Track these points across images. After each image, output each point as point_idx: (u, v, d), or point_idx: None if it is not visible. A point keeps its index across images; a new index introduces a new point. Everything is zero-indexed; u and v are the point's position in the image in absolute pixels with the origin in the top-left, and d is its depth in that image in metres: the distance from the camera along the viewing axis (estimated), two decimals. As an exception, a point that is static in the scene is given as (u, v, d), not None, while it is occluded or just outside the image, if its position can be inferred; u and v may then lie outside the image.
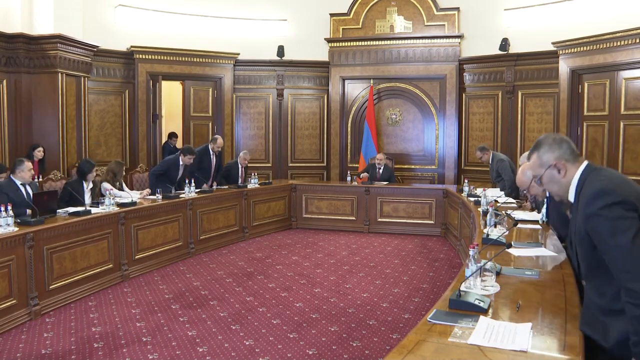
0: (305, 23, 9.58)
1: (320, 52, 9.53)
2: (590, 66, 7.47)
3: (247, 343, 3.75)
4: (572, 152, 2.14)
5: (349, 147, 9.64)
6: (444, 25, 9.04)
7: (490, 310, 2.30)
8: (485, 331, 2.04)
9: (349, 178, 8.44)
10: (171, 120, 10.61)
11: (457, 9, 8.96)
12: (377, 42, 9.19)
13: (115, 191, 5.94)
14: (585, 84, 7.71)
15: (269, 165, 9.83)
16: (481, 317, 2.18)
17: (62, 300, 4.54)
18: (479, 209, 5.17)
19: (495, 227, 4.04)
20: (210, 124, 9.55)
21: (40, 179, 6.31)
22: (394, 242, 7.12)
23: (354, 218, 7.94)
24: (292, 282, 5.26)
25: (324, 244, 7.01)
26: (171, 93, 10.38)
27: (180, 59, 9.03)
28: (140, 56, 8.75)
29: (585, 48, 7.45)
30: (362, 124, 9.40)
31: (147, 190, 6.39)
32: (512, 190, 6.19)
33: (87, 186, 5.64)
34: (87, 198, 5.60)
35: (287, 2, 9.61)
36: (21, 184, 5.00)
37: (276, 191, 8.01)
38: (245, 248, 6.86)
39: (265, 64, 9.61)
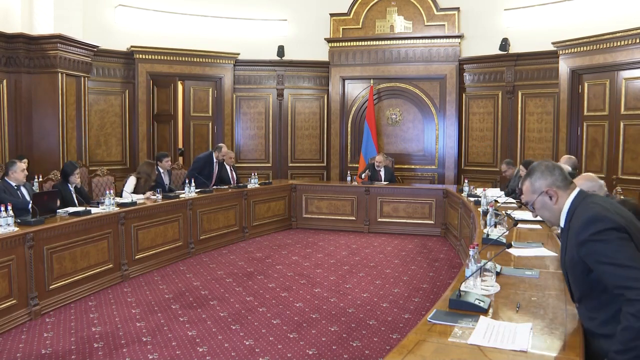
0: (305, 23, 9.58)
1: (320, 52, 9.53)
2: (590, 66, 7.47)
3: (247, 343, 3.75)
4: (564, 179, 2.20)
5: (349, 147, 9.64)
6: (444, 25, 9.04)
7: (490, 310, 2.30)
8: (485, 331, 2.04)
9: (349, 178, 8.44)
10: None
11: (457, 9, 8.96)
12: (377, 42, 9.19)
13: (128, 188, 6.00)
14: (585, 84, 7.71)
15: (269, 165, 9.83)
16: (481, 317, 2.18)
17: (62, 300, 4.54)
18: (479, 209, 5.17)
19: (495, 227, 4.04)
20: (210, 124, 9.55)
21: (41, 179, 6.32)
22: (394, 242, 7.12)
23: (354, 218, 7.93)
24: (292, 282, 5.26)
25: (324, 244, 7.01)
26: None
27: (181, 59, 9.03)
28: (140, 56, 8.75)
29: (585, 48, 7.45)
30: (362, 124, 9.40)
31: (149, 193, 6.36)
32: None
33: (72, 187, 5.61)
34: (74, 200, 5.59)
35: (287, 2, 9.61)
36: (16, 186, 5.00)
37: (276, 191, 8.01)
38: (245, 248, 6.86)
39: (265, 64, 9.61)
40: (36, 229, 4.30)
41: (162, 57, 8.89)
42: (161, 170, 6.85)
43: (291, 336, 3.88)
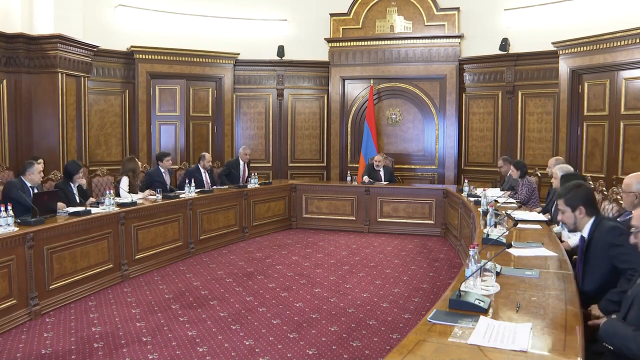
0: (305, 23, 9.58)
1: (320, 52, 9.53)
2: (590, 66, 7.47)
3: (247, 343, 3.75)
4: None
5: (349, 147, 9.64)
6: (444, 25, 9.04)
7: (490, 310, 2.30)
8: (485, 331, 2.04)
9: (349, 178, 8.44)
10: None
11: (457, 9, 8.96)
12: (377, 42, 9.19)
13: (124, 191, 6.01)
14: (585, 84, 7.71)
15: (269, 165, 9.83)
16: (481, 317, 2.18)
17: (62, 300, 4.54)
18: (479, 209, 5.17)
19: (495, 227, 4.04)
20: (210, 124, 9.55)
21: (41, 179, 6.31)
22: (394, 242, 7.12)
23: (354, 218, 7.93)
24: (292, 282, 5.26)
25: (324, 244, 7.01)
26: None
27: (180, 59, 9.03)
28: (140, 56, 8.75)
29: (585, 48, 7.45)
30: (362, 124, 9.40)
31: (149, 191, 6.37)
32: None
33: (75, 186, 5.62)
34: (76, 199, 5.60)
35: (287, 2, 9.61)
36: (30, 187, 5.01)
37: (276, 191, 8.01)
38: (245, 248, 6.86)
39: (265, 64, 9.61)
40: (36, 229, 4.30)
41: (162, 57, 8.89)
42: (162, 170, 6.86)
43: (291, 336, 3.88)
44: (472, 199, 6.12)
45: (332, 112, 9.54)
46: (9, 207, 4.16)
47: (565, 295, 2.53)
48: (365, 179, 8.05)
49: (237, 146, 9.64)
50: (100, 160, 8.41)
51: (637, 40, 6.73)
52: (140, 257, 5.60)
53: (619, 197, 4.32)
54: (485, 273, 2.60)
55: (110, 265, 5.16)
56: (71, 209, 5.06)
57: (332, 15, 9.46)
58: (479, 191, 6.50)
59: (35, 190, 5.10)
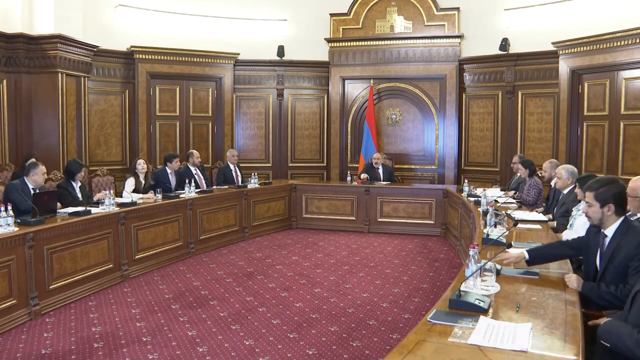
0: (305, 23, 9.58)
1: (320, 52, 9.53)
2: (590, 66, 7.47)
3: (247, 343, 3.75)
4: None
5: (349, 147, 9.64)
6: (444, 25, 9.04)
7: (490, 310, 2.30)
8: (485, 331, 2.04)
9: (349, 178, 8.44)
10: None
11: (457, 9, 8.96)
12: (377, 42, 9.19)
13: (127, 193, 6.03)
14: (585, 84, 7.71)
15: (269, 165, 9.83)
16: (481, 317, 2.18)
17: (62, 300, 4.54)
18: (479, 209, 5.17)
19: (495, 227, 4.04)
20: (210, 124, 9.54)
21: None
22: (394, 242, 7.12)
23: (354, 218, 7.93)
24: (292, 282, 5.26)
25: (324, 244, 7.01)
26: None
27: (180, 59, 9.03)
28: (140, 56, 8.74)
29: (585, 48, 7.44)
30: (362, 124, 9.40)
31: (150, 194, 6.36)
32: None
33: (77, 186, 5.63)
34: (79, 198, 5.61)
35: (287, 2, 9.61)
36: (32, 189, 5.00)
37: (276, 191, 8.01)
38: (245, 248, 6.86)
39: (265, 64, 9.61)
40: (36, 229, 4.30)
41: (162, 57, 8.89)
42: (169, 171, 6.85)
43: (291, 336, 3.88)
44: (472, 199, 6.13)
45: (332, 112, 9.54)
46: (9, 207, 4.16)
47: (565, 295, 2.53)
48: (363, 176, 8.07)
49: (237, 146, 9.64)
50: (100, 160, 8.41)
51: (637, 40, 6.73)
52: (140, 257, 5.60)
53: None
54: (485, 273, 2.60)
55: (110, 265, 5.16)
56: (71, 209, 5.06)
57: (332, 15, 9.46)
58: (479, 191, 6.51)
59: (37, 191, 5.10)
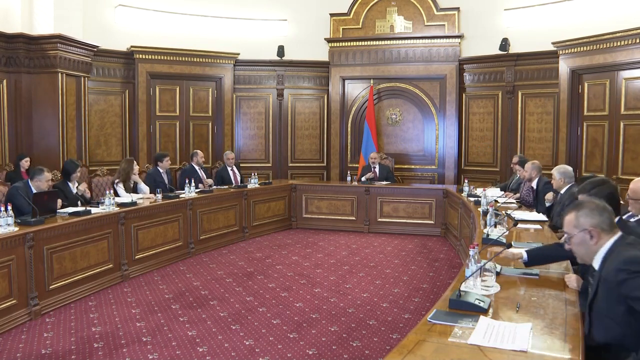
0: (305, 23, 9.58)
1: (320, 52, 9.53)
2: (590, 66, 7.47)
3: (247, 343, 3.75)
4: (610, 223, 2.24)
5: (349, 147, 9.64)
6: (444, 25, 9.04)
7: (490, 310, 2.30)
8: (485, 331, 2.04)
9: (349, 178, 8.44)
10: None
11: (457, 9, 8.96)
12: (377, 42, 9.19)
13: (122, 191, 6.00)
14: (585, 84, 7.70)
15: (269, 165, 9.83)
16: (481, 317, 2.18)
17: (62, 300, 4.54)
18: (479, 209, 5.17)
19: (495, 227, 4.04)
20: (210, 124, 9.55)
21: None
22: (394, 242, 7.12)
23: (354, 218, 7.93)
24: (292, 282, 5.26)
25: (324, 244, 7.01)
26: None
27: (180, 59, 9.03)
28: (140, 56, 8.74)
29: (585, 48, 7.44)
30: (362, 124, 9.40)
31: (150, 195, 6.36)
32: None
33: (73, 186, 5.62)
34: (76, 198, 5.59)
35: (287, 2, 9.61)
36: (35, 192, 5.01)
37: (276, 191, 8.01)
38: (245, 248, 6.86)
39: (265, 64, 9.61)
40: (36, 229, 4.30)
41: (162, 57, 8.89)
42: (161, 170, 6.87)
43: (291, 336, 3.88)
44: (472, 199, 6.12)
45: (332, 112, 9.54)
46: (9, 207, 4.16)
47: (565, 295, 2.53)
48: (364, 179, 8.09)
49: (237, 146, 9.65)
50: (100, 160, 8.41)
51: (637, 40, 6.73)
52: (140, 257, 5.60)
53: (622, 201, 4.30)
54: (485, 273, 2.60)
55: (110, 265, 5.16)
56: (71, 209, 5.06)
57: (332, 15, 9.46)
58: (479, 191, 6.50)
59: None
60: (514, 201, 5.90)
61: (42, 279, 4.35)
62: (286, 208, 8.12)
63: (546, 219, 4.83)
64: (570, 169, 5.05)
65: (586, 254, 2.27)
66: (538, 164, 5.81)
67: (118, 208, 5.36)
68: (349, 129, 9.61)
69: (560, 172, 4.88)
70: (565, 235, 2.34)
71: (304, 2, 9.56)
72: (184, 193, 6.47)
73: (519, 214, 4.87)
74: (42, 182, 5.04)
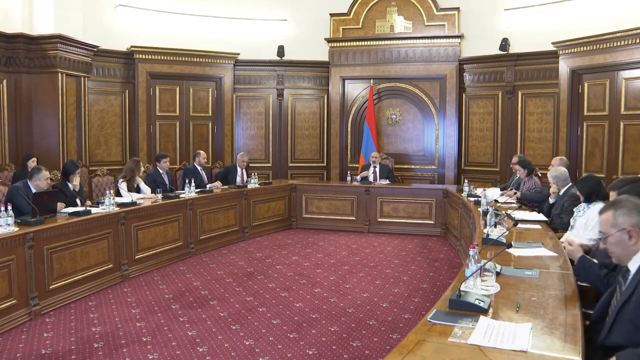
0: (305, 23, 9.58)
1: (320, 52, 9.53)
2: (590, 66, 7.47)
3: (247, 343, 3.75)
4: None
5: (349, 147, 9.64)
6: (444, 25, 9.04)
7: (490, 310, 2.30)
8: (485, 331, 2.04)
9: (349, 178, 8.44)
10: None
11: (457, 9, 8.96)
12: (377, 42, 9.19)
13: (124, 191, 6.00)
14: (585, 84, 7.71)
15: (269, 165, 9.83)
16: (481, 317, 2.18)
17: (62, 300, 4.54)
18: (479, 209, 5.17)
19: (495, 227, 4.04)
20: (210, 124, 9.55)
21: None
22: (394, 242, 7.12)
23: (354, 218, 7.93)
24: (292, 282, 5.26)
25: (324, 244, 7.01)
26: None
27: (180, 59, 9.03)
28: (140, 56, 8.75)
29: (585, 48, 7.44)
30: (362, 124, 9.40)
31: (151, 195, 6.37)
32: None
33: (73, 186, 5.62)
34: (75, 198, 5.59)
35: (287, 2, 9.61)
36: (35, 192, 5.00)
37: (276, 191, 8.01)
38: (245, 248, 6.86)
39: (265, 64, 9.61)
40: (36, 229, 4.30)
41: (162, 57, 8.89)
42: (160, 171, 6.88)
43: (291, 336, 3.88)
44: (472, 199, 6.12)
45: (332, 112, 9.54)
46: (9, 207, 4.16)
47: (565, 295, 2.53)
48: (359, 177, 8.11)
49: (237, 146, 9.65)
50: (100, 160, 8.41)
51: (637, 40, 6.73)
52: (140, 257, 5.60)
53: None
54: (485, 273, 2.60)
55: (110, 265, 5.16)
56: (71, 209, 5.06)
57: (332, 15, 9.46)
58: (479, 191, 6.50)
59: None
60: (514, 201, 5.90)
61: (42, 279, 4.35)
62: (286, 208, 8.12)
63: (546, 219, 4.83)
64: (562, 169, 5.08)
65: (623, 255, 2.18)
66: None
67: (118, 208, 5.36)
68: (349, 129, 9.61)
69: (554, 177, 4.96)
70: (600, 234, 2.26)
71: (304, 2, 9.56)
72: (184, 193, 6.47)
73: (519, 214, 4.86)
74: (41, 180, 5.04)
